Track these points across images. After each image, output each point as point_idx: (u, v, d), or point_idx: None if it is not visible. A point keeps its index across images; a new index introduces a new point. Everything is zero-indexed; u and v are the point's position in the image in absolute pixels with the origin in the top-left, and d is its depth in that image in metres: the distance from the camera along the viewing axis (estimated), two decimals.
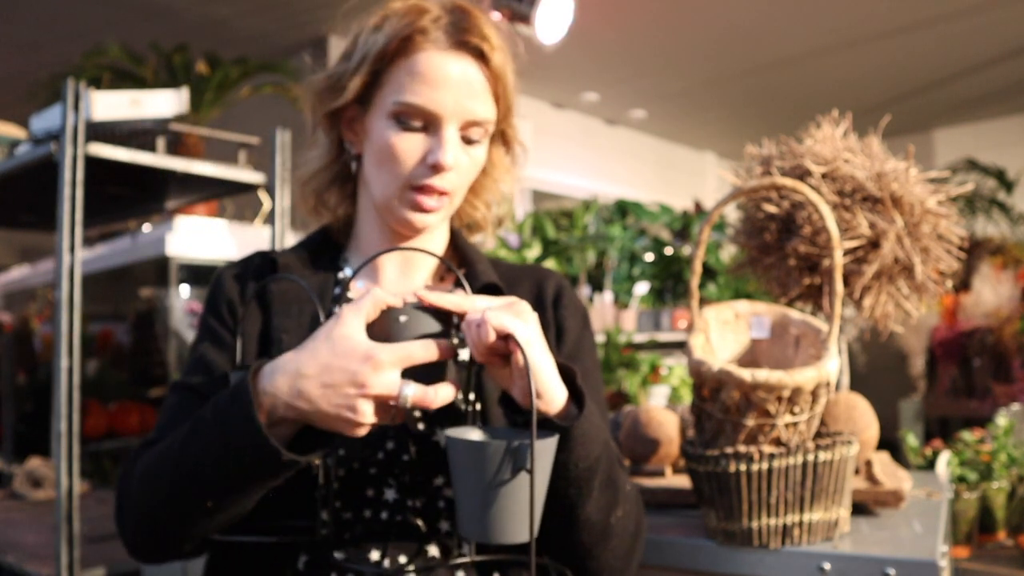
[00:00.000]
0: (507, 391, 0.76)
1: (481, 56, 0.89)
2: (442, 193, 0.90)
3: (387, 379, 0.70)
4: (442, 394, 0.72)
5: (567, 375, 0.79)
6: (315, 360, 0.71)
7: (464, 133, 0.90)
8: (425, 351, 0.71)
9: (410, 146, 0.88)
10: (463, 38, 0.88)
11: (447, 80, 0.87)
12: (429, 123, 0.88)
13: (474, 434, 0.76)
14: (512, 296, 0.78)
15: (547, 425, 0.75)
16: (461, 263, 1.00)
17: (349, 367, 0.69)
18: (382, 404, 0.71)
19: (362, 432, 0.71)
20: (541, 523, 0.77)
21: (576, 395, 0.78)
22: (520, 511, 0.69)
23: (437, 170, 0.88)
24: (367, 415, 0.70)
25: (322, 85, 0.93)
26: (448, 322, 0.74)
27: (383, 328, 0.73)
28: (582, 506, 0.80)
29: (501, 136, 0.98)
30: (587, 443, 0.77)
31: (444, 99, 0.87)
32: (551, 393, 0.75)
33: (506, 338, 0.72)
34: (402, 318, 0.72)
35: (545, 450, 0.70)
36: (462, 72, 0.87)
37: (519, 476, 0.68)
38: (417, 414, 0.88)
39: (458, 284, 1.00)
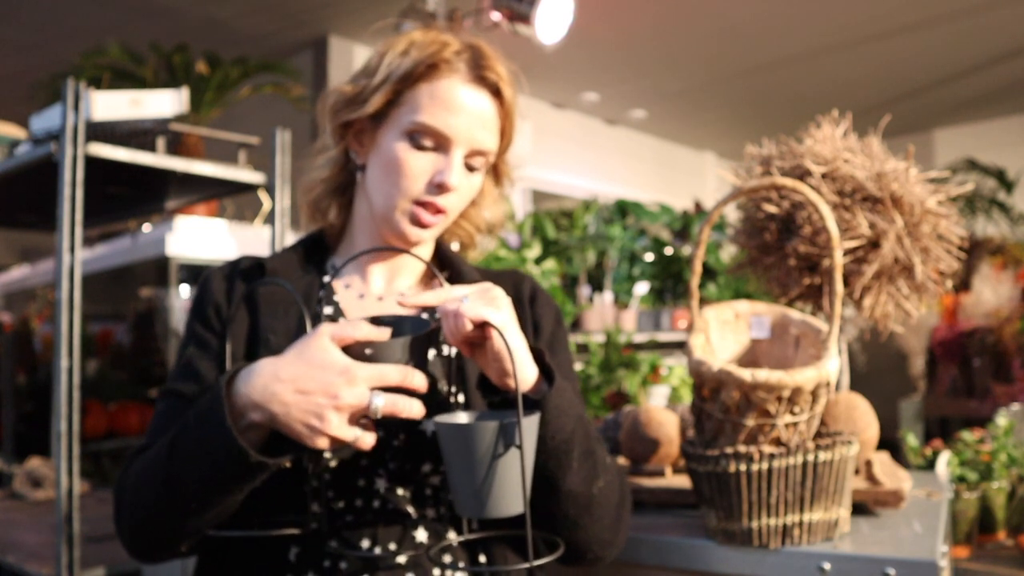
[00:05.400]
0: (483, 371, 0.82)
1: (497, 92, 0.95)
2: (440, 211, 0.95)
3: (358, 393, 0.73)
4: (415, 408, 0.77)
5: (536, 355, 0.84)
6: (292, 367, 0.75)
7: (468, 160, 0.95)
8: (401, 377, 0.75)
9: (420, 164, 0.93)
10: (483, 73, 0.94)
11: (464, 108, 0.93)
12: (440, 145, 0.94)
13: (460, 418, 0.81)
14: (486, 283, 0.82)
15: (522, 402, 0.79)
16: (444, 268, 1.06)
17: (325, 377, 0.74)
18: (348, 419, 0.74)
19: (322, 445, 0.74)
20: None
21: (546, 372, 0.83)
22: (512, 485, 0.74)
23: (442, 189, 0.94)
24: (332, 425, 0.73)
25: (343, 96, 0.98)
26: (417, 354, 0.78)
27: (351, 355, 0.77)
28: (563, 478, 0.84)
29: (494, 169, 1.05)
30: (561, 416, 0.82)
31: (458, 125, 0.92)
32: (524, 372, 0.80)
33: (482, 325, 0.77)
34: (368, 351, 0.76)
35: (530, 426, 0.75)
36: (478, 103, 0.94)
37: (508, 452, 0.73)
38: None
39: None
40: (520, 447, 0.72)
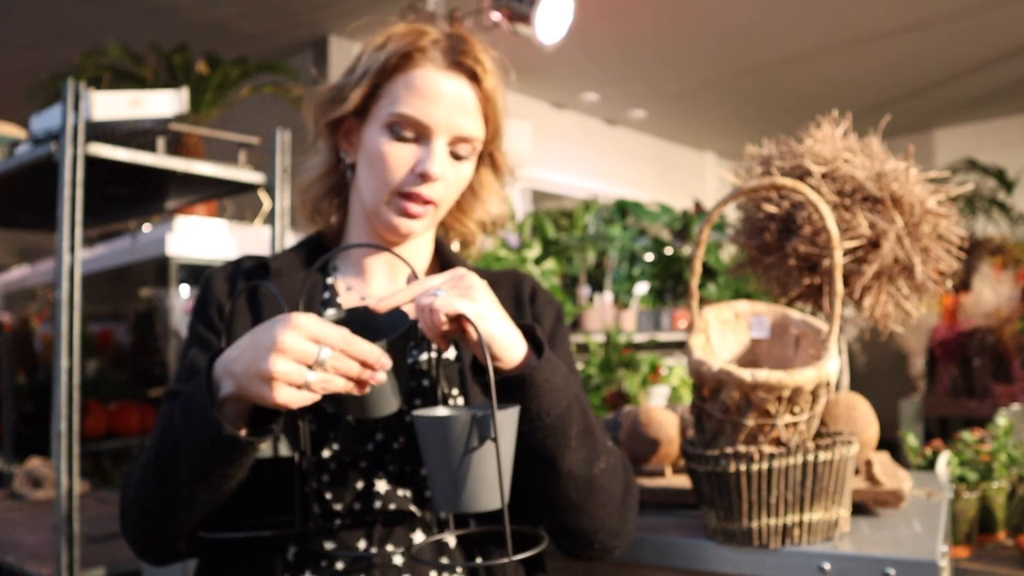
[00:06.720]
0: (475, 354, 0.81)
1: (474, 77, 0.94)
2: (428, 202, 0.94)
3: (298, 340, 0.71)
4: (354, 370, 0.73)
5: (526, 331, 0.83)
6: (250, 333, 0.75)
7: (452, 148, 0.95)
8: (342, 342, 0.72)
9: (401, 155, 0.93)
10: (458, 59, 0.93)
11: (440, 95, 0.92)
12: (421, 135, 0.93)
13: (440, 411, 0.80)
14: (459, 270, 0.81)
15: (508, 380, 0.79)
16: (445, 268, 1.05)
17: (270, 330, 0.73)
18: (294, 367, 0.71)
19: (280, 397, 0.71)
20: (524, 484, 0.82)
21: (536, 348, 0.82)
22: (489, 479, 0.73)
23: (425, 179, 0.93)
24: (277, 370, 0.70)
25: (325, 96, 0.98)
26: (391, 352, 0.76)
27: None
28: (562, 457, 0.83)
29: (490, 159, 1.04)
30: (553, 391, 0.81)
31: (436, 113, 0.92)
32: (509, 352, 0.79)
33: (458, 318, 0.76)
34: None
35: (507, 419, 0.74)
36: (455, 90, 0.93)
37: (484, 446, 0.72)
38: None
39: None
40: (495, 440, 0.71)
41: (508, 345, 0.79)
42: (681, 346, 3.77)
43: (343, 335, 0.73)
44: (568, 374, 0.86)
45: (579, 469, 0.85)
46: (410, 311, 0.83)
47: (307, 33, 4.47)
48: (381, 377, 0.74)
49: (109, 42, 2.57)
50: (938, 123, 6.57)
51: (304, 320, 0.72)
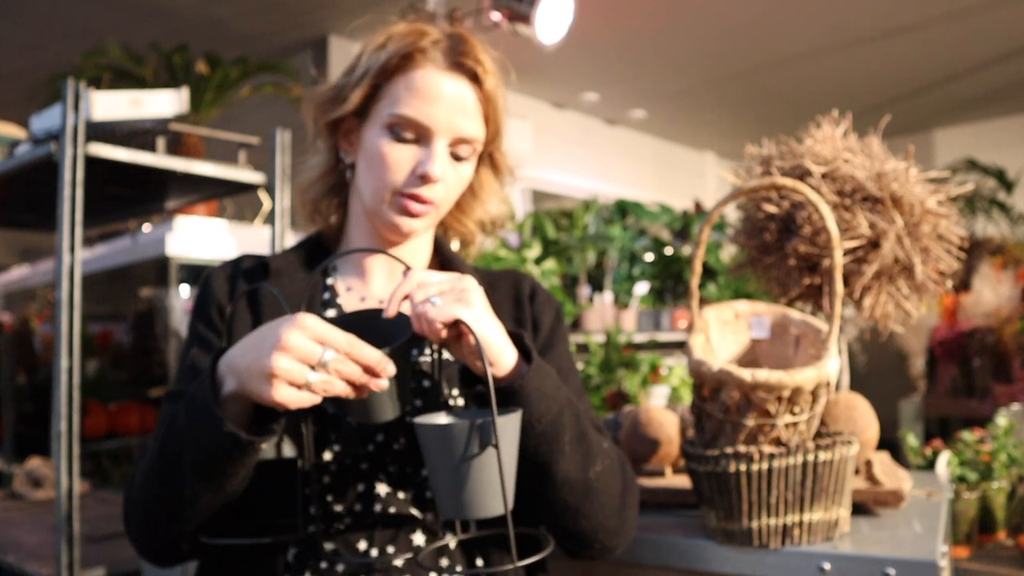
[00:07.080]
0: (464, 362, 0.81)
1: (475, 78, 0.94)
2: (428, 202, 0.94)
3: (302, 339, 0.72)
4: (355, 374, 0.73)
5: (516, 339, 0.84)
6: (255, 331, 0.76)
7: (453, 149, 0.94)
8: (347, 345, 0.73)
9: (401, 156, 0.92)
10: (459, 60, 0.93)
11: (441, 97, 0.92)
12: (421, 136, 0.93)
13: (441, 418, 0.80)
14: (453, 274, 0.82)
15: (498, 389, 0.79)
16: (444, 268, 1.05)
17: (276, 328, 0.74)
18: (296, 365, 0.72)
19: (279, 395, 0.71)
20: (522, 488, 0.82)
21: (526, 356, 0.83)
22: (492, 485, 0.73)
23: (425, 180, 0.93)
24: (277, 367, 0.71)
25: (325, 96, 0.98)
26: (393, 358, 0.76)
27: None
28: (556, 463, 0.84)
29: (490, 159, 1.03)
30: (544, 399, 0.81)
31: (437, 114, 0.91)
32: (501, 358, 0.80)
33: (455, 324, 0.76)
34: None
35: (509, 424, 0.74)
36: (456, 91, 0.93)
37: (486, 452, 0.72)
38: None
39: None
40: (496, 446, 0.71)
41: (500, 351, 0.80)
42: (681, 346, 3.77)
43: (348, 339, 0.73)
44: (559, 380, 0.86)
45: (574, 474, 0.85)
46: (406, 308, 0.84)
47: (307, 33, 4.47)
48: (383, 383, 0.74)
49: (109, 42, 2.58)
50: (938, 123, 6.58)
51: (310, 321, 0.73)
